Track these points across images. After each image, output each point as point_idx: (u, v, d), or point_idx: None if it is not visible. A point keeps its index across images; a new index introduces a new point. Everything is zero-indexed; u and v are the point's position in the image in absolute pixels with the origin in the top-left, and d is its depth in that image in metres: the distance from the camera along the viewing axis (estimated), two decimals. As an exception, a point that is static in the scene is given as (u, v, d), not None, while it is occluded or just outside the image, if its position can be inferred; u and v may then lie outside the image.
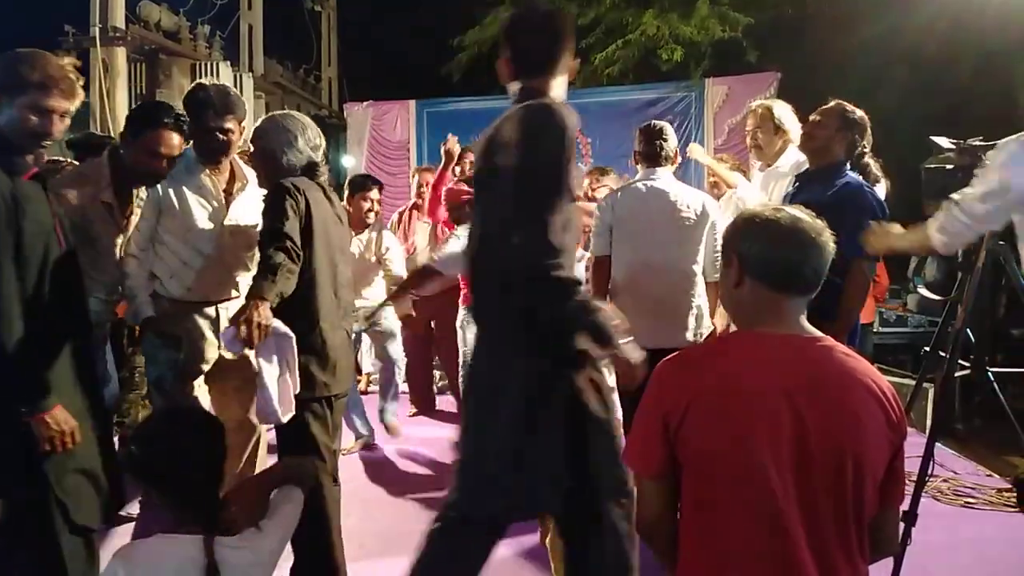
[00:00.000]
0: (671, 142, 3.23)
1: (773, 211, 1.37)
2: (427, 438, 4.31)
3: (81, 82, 1.93)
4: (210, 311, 2.62)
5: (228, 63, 7.20)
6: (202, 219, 2.57)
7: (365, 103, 7.82)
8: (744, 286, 1.36)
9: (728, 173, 4.40)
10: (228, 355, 2.51)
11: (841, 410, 1.27)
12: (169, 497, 1.51)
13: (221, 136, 2.52)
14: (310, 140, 2.32)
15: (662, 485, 1.36)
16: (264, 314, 1.94)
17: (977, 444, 4.46)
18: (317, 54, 11.17)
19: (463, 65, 9.66)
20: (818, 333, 1.36)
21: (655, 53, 8.39)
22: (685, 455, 1.31)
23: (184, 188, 2.55)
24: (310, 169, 2.31)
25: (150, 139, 2.44)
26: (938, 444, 4.22)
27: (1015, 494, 3.36)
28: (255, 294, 1.99)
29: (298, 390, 2.09)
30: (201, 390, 2.62)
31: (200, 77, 6.84)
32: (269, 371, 2.03)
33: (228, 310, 2.58)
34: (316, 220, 2.22)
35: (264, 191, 2.31)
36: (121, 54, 5.76)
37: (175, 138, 2.49)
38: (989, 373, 3.05)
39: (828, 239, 1.33)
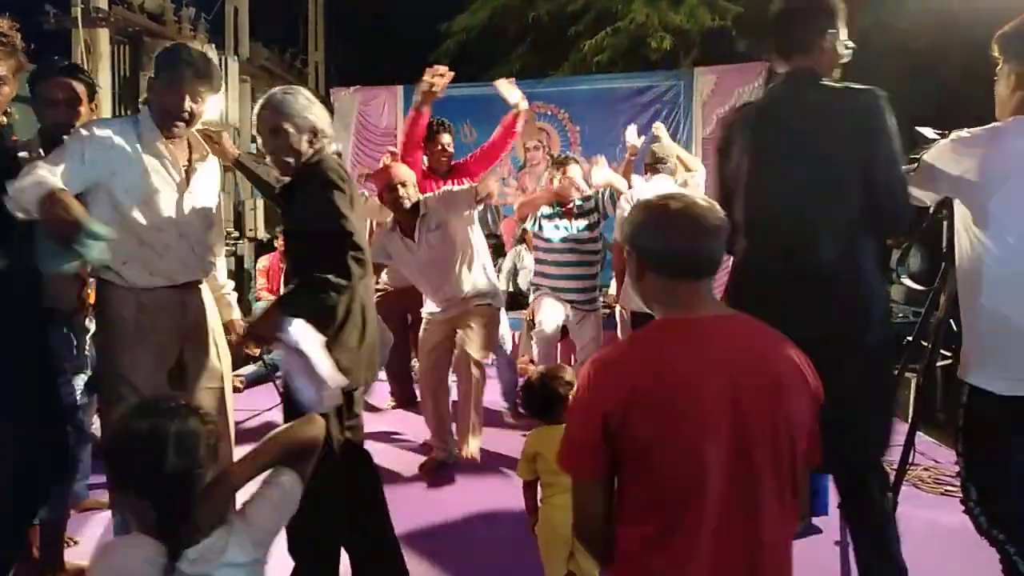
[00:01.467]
0: None
1: (667, 200, 1.39)
2: (406, 431, 4.33)
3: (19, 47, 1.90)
4: (175, 297, 2.35)
5: (213, 46, 7.10)
6: (164, 191, 2.30)
7: (352, 88, 7.75)
8: (646, 278, 1.40)
9: (689, 156, 4.49)
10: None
11: (771, 380, 1.31)
12: (132, 503, 1.37)
13: (191, 103, 2.29)
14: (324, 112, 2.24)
15: (603, 487, 1.37)
16: (273, 329, 1.97)
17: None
18: (304, 38, 11.05)
19: (452, 51, 9.60)
20: (730, 309, 1.40)
21: (644, 41, 8.37)
22: (628, 451, 1.31)
23: (141, 153, 2.26)
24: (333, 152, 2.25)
25: (44, 88, 2.42)
26: (920, 433, 4.29)
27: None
28: (282, 306, 2.02)
29: (335, 384, 2.01)
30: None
31: (185, 60, 6.73)
32: (294, 369, 2.00)
33: (187, 295, 2.39)
34: (356, 206, 2.18)
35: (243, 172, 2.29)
36: (104, 36, 5.67)
37: (74, 84, 2.46)
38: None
39: (722, 223, 1.37)
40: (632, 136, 4.78)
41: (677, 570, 1.31)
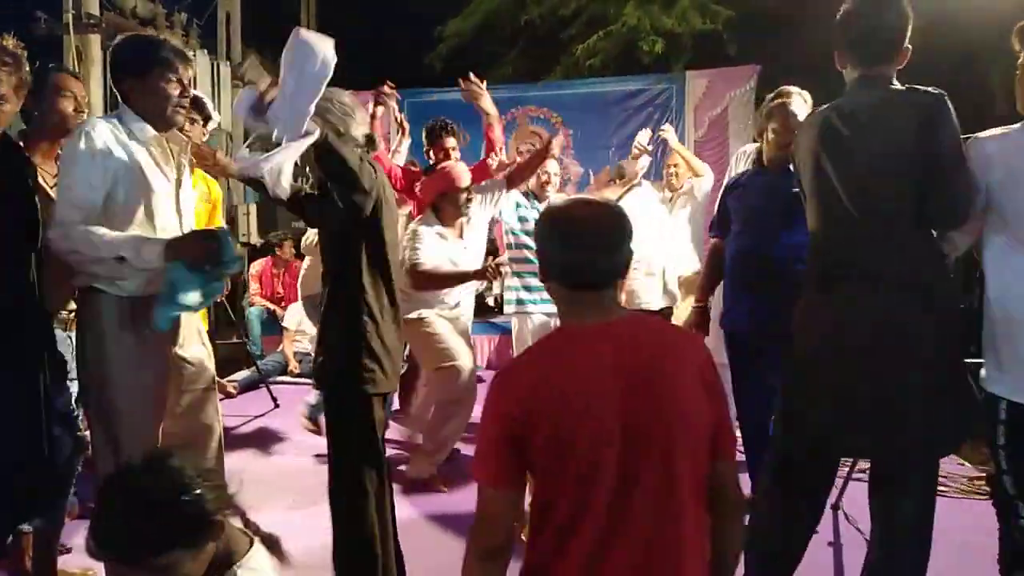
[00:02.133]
0: None
1: (571, 207, 1.38)
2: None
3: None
4: None
5: (205, 51, 7.10)
6: (162, 194, 2.21)
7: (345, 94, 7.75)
8: (550, 284, 1.40)
9: (697, 161, 4.42)
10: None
11: (660, 381, 1.32)
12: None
13: (184, 92, 2.20)
14: (354, 112, 2.22)
15: (505, 496, 1.35)
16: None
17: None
18: (296, 43, 11.05)
19: (445, 55, 9.61)
20: (626, 311, 1.42)
21: (636, 45, 8.41)
22: (530, 459, 1.32)
23: (137, 155, 2.14)
24: (369, 142, 2.24)
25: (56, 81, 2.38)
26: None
27: (985, 483, 3.42)
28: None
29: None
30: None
31: (177, 65, 6.72)
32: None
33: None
34: (385, 204, 2.17)
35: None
36: (95, 42, 5.66)
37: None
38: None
39: (624, 233, 1.35)
40: (644, 138, 4.68)
41: (578, 571, 1.31)
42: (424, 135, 4.06)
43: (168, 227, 2.23)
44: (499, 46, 9.91)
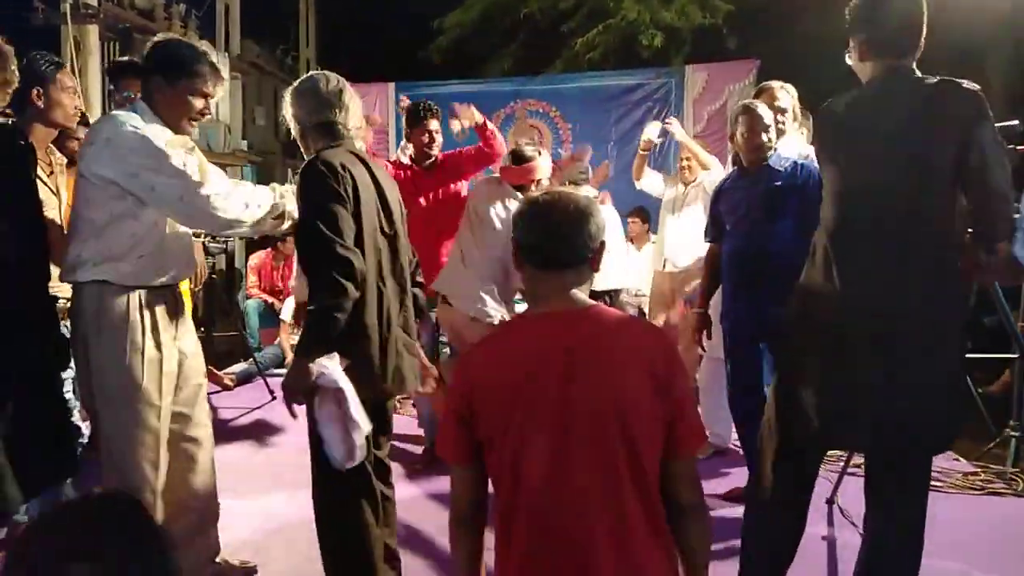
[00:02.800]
0: None
1: (543, 196, 1.47)
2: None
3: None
4: (170, 295, 2.27)
5: (204, 43, 7.09)
6: None
7: (344, 85, 7.72)
8: (523, 269, 1.47)
9: (705, 154, 4.40)
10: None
11: (604, 372, 1.35)
12: None
13: (205, 108, 2.25)
14: (331, 99, 2.12)
15: (469, 472, 1.44)
16: (306, 379, 1.91)
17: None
18: (295, 34, 11.02)
19: (444, 48, 9.59)
20: (589, 303, 1.44)
21: (636, 39, 8.40)
22: (479, 438, 1.40)
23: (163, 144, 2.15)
24: (335, 134, 2.11)
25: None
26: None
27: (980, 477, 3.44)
28: (301, 352, 1.93)
29: (366, 431, 1.97)
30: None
31: (175, 56, 6.70)
32: (326, 416, 1.96)
33: (178, 294, 2.32)
34: (363, 205, 2.04)
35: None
36: (93, 32, 5.64)
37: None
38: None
39: (586, 217, 1.42)
40: (652, 132, 4.57)
41: (517, 559, 1.36)
42: (405, 118, 3.82)
43: (178, 225, 2.24)
44: (498, 39, 9.88)
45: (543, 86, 7.53)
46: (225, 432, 4.21)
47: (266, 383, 5.03)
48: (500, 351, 1.44)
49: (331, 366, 1.93)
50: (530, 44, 9.70)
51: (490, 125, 3.75)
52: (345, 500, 2.12)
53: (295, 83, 2.23)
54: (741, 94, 6.42)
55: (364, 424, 1.96)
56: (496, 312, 3.19)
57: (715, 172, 4.27)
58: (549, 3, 9.17)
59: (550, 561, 1.34)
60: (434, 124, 3.69)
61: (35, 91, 2.36)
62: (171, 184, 2.07)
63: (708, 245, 3.24)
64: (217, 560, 2.52)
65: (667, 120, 4.56)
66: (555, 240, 1.42)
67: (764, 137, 2.95)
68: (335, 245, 1.94)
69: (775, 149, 3.01)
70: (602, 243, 1.46)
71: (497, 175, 3.50)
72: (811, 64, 7.13)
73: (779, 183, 2.90)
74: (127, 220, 2.11)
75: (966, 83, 1.89)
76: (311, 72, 2.25)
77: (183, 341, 2.34)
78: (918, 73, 1.99)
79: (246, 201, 2.17)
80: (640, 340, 1.40)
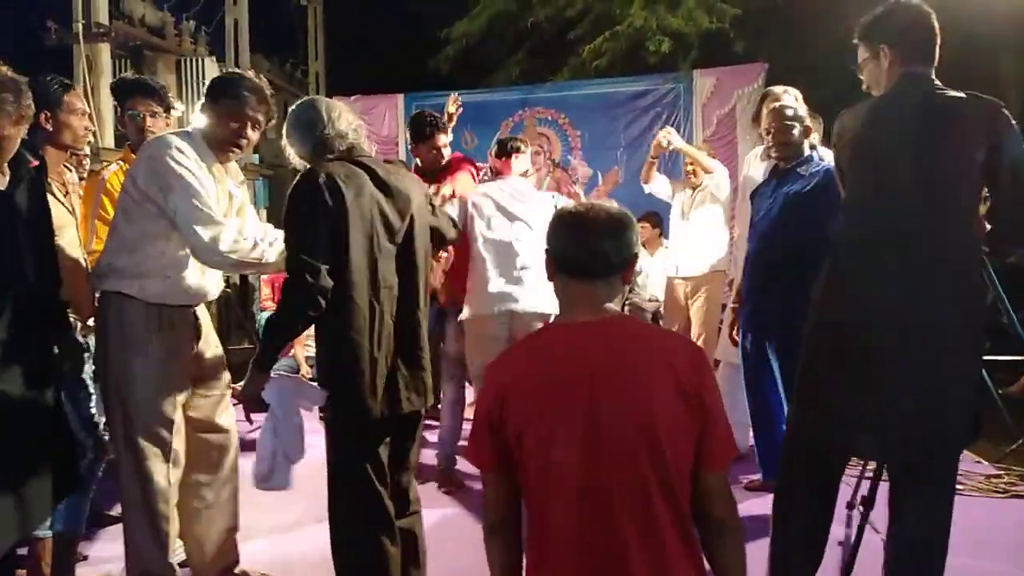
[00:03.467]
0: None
1: (575, 207, 1.49)
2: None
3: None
4: (190, 314, 2.33)
5: (214, 58, 7.15)
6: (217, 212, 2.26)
7: (352, 97, 7.78)
8: (555, 278, 1.47)
9: (706, 158, 4.37)
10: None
11: (631, 385, 1.34)
12: None
13: (251, 131, 2.29)
14: (322, 116, 2.10)
15: (500, 480, 1.44)
16: (257, 389, 1.97)
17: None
18: (304, 48, 11.10)
19: (451, 57, 9.63)
20: (618, 314, 1.45)
21: (643, 45, 8.40)
22: (509, 446, 1.39)
23: (202, 173, 2.21)
24: (330, 147, 2.08)
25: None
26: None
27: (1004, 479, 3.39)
28: (254, 363, 1.98)
29: (294, 459, 2.01)
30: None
31: (185, 73, 6.78)
32: (265, 430, 2.00)
33: (200, 312, 2.38)
34: (354, 218, 1.98)
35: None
36: (105, 50, 5.70)
37: None
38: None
39: (620, 228, 1.42)
40: (675, 137, 4.36)
41: (550, 571, 1.35)
42: (410, 131, 3.75)
43: None
44: (505, 48, 9.92)
45: (551, 93, 7.53)
46: (241, 445, 4.19)
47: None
48: (530, 360, 1.44)
49: (276, 383, 1.99)
50: (537, 52, 9.72)
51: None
52: (360, 533, 2.08)
53: (288, 116, 2.21)
54: (750, 98, 6.40)
55: (294, 454, 1.98)
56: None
57: (718, 175, 4.26)
58: (555, 11, 9.19)
59: (586, 570, 1.33)
60: (442, 139, 3.64)
61: (43, 115, 2.39)
62: (189, 213, 2.11)
63: (723, 248, 3.27)
64: (236, 571, 2.54)
65: (666, 130, 4.54)
66: (586, 251, 1.42)
67: (794, 132, 2.95)
68: (299, 262, 1.94)
69: (816, 148, 3.01)
70: (635, 255, 1.46)
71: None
72: (820, 67, 7.12)
73: (806, 189, 2.88)
74: (160, 240, 2.18)
75: (987, 96, 1.90)
76: (303, 99, 2.26)
77: (204, 354, 2.37)
78: (938, 82, 1.98)
79: (261, 250, 2.22)
80: (669, 352, 1.39)
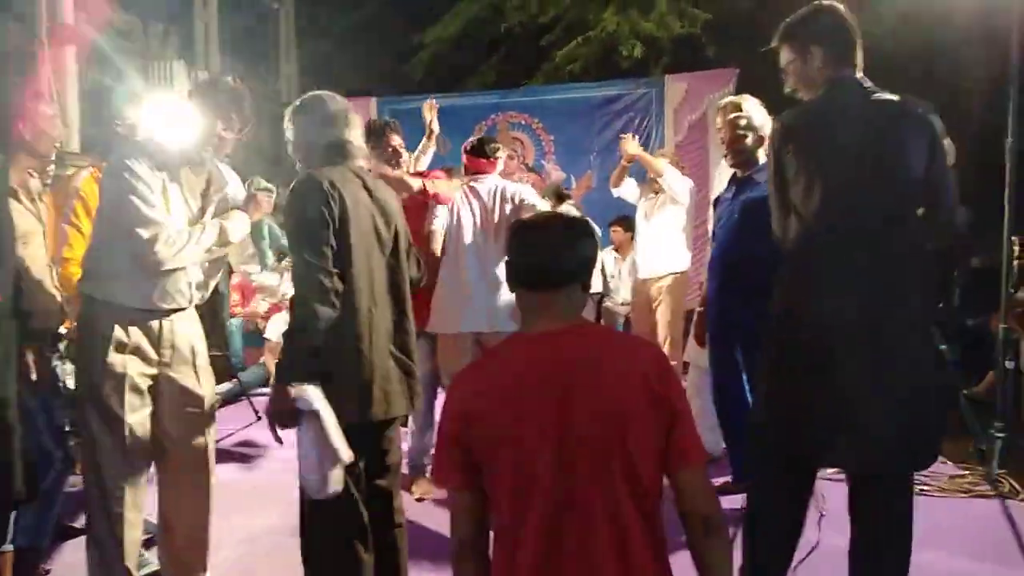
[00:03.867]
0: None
1: (534, 217, 1.54)
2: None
3: None
4: (155, 321, 2.29)
5: (182, 61, 7.06)
6: (179, 218, 2.27)
7: (325, 101, 7.72)
8: (515, 291, 1.48)
9: (656, 161, 4.41)
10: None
11: (599, 389, 1.35)
12: None
13: (222, 130, 2.31)
14: (338, 118, 2.11)
15: (468, 497, 1.42)
16: (286, 402, 1.90)
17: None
18: (275, 52, 11.00)
19: (425, 62, 9.60)
20: (581, 321, 1.46)
21: (616, 50, 8.45)
22: (476, 460, 1.39)
23: (160, 177, 2.22)
24: (343, 153, 2.09)
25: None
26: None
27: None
28: (278, 376, 1.92)
29: (346, 460, 1.94)
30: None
31: (154, 76, 6.68)
32: (305, 442, 1.94)
33: (172, 322, 2.33)
34: (354, 224, 2.00)
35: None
36: (70, 53, 5.60)
37: None
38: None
39: (577, 238, 1.44)
40: (632, 145, 4.49)
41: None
42: (365, 135, 3.78)
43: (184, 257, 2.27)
44: (479, 53, 9.91)
45: (525, 98, 7.56)
46: (240, 455, 4.17)
47: (251, 403, 4.99)
48: (493, 373, 1.44)
49: (310, 390, 1.92)
50: (511, 57, 9.73)
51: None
52: (333, 540, 2.05)
53: (297, 103, 2.22)
54: (720, 103, 6.45)
55: (343, 454, 1.92)
56: None
57: (669, 177, 4.29)
58: (528, 17, 9.20)
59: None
60: (395, 139, 3.48)
61: (21, 123, 2.44)
62: (133, 215, 2.13)
63: (683, 251, 3.33)
64: None
65: (622, 136, 4.63)
66: (544, 261, 1.42)
67: (747, 140, 3.00)
68: (311, 267, 1.93)
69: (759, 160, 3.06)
70: (592, 263, 1.47)
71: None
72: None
73: (764, 195, 2.92)
74: (125, 241, 2.16)
75: (920, 100, 1.97)
76: (315, 92, 2.23)
77: (178, 364, 2.34)
78: (869, 83, 2.01)
79: (191, 250, 2.21)
80: (634, 354, 1.41)
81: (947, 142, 2.03)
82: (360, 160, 2.20)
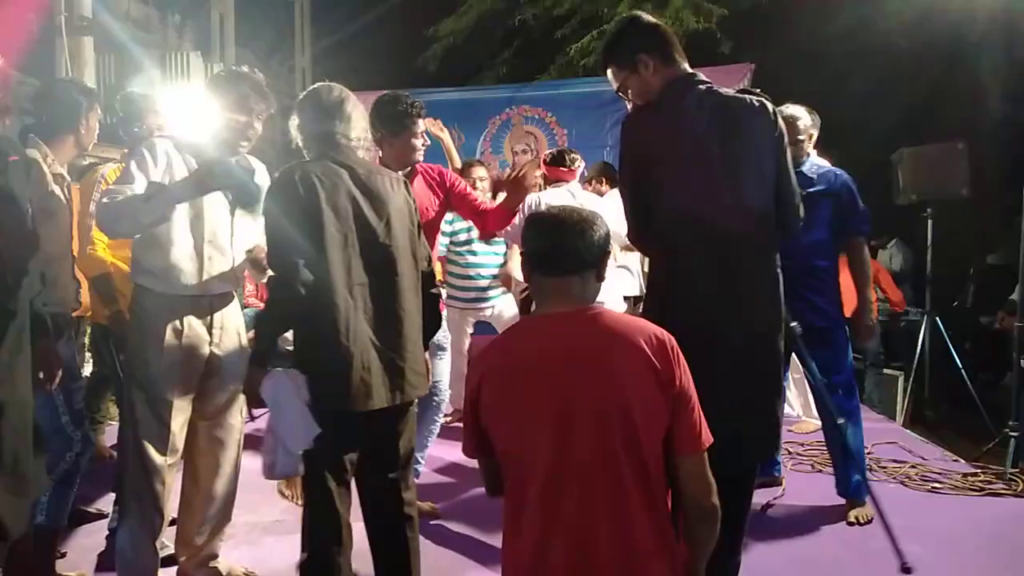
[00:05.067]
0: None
1: (551, 209, 1.59)
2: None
3: None
4: (206, 305, 2.39)
5: (199, 53, 7.09)
6: (217, 205, 2.35)
7: (338, 93, 7.74)
8: (532, 278, 1.55)
9: None
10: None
11: (605, 371, 1.41)
12: None
13: (256, 122, 2.39)
14: (330, 110, 2.13)
15: (487, 462, 1.56)
16: (253, 385, 2.04)
17: (946, 430, 4.56)
18: (290, 43, 11.04)
19: (439, 55, 9.60)
20: (591, 305, 1.51)
21: (630, 44, 8.40)
22: (485, 429, 1.50)
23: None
24: (332, 144, 2.12)
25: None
26: (907, 431, 4.33)
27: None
28: (251, 359, 2.08)
29: (295, 449, 2.02)
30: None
31: (170, 67, 6.72)
32: (275, 421, 2.05)
33: (223, 315, 2.43)
34: (330, 215, 2.02)
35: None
36: (88, 44, 5.64)
37: None
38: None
39: (590, 227, 1.50)
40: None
41: (530, 545, 1.42)
42: (387, 121, 3.52)
43: (217, 237, 2.38)
44: (493, 46, 9.90)
45: (538, 92, 7.53)
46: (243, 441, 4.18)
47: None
48: (503, 348, 1.54)
49: (272, 378, 2.03)
50: (524, 51, 9.71)
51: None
52: (314, 530, 2.10)
53: (301, 96, 2.26)
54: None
55: (291, 443, 2.00)
56: None
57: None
58: (542, 10, 9.18)
59: (558, 548, 1.39)
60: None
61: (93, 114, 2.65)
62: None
63: None
64: (212, 564, 2.56)
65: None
66: (560, 248, 1.49)
67: (798, 136, 2.96)
68: (279, 258, 2.04)
69: (808, 154, 3.03)
70: (607, 253, 1.53)
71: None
72: (806, 67, 7.17)
73: (810, 190, 2.89)
74: (159, 235, 2.27)
75: (761, 94, 1.98)
76: (318, 84, 2.26)
77: (221, 348, 2.43)
78: (703, 76, 2.02)
79: (132, 209, 2.17)
80: (640, 336, 1.44)
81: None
82: (360, 152, 2.19)
